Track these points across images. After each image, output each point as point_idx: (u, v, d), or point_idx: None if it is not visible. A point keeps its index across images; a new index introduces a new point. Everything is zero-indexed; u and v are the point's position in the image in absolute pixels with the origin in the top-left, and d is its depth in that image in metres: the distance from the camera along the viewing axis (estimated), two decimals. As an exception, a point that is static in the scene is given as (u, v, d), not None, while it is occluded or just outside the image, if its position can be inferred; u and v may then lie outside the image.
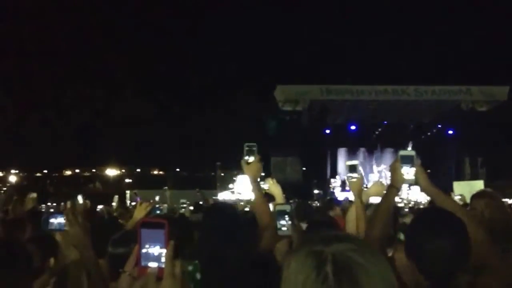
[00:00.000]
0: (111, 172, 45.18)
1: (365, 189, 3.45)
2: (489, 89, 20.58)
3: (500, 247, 2.25)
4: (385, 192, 2.44)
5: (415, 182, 2.31)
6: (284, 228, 2.41)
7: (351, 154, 24.12)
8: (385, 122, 23.08)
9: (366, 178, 22.91)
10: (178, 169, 44.21)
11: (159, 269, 1.18)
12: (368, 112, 21.85)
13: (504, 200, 3.86)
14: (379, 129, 23.64)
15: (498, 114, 19.97)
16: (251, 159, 2.96)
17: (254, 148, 2.98)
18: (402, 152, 2.35)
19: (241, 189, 18.92)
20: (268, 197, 3.58)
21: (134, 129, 34.25)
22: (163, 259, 1.18)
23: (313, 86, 21.42)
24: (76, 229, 2.12)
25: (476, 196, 3.09)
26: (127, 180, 42.66)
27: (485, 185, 13.13)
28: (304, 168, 22.39)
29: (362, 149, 24.08)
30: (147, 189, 23.66)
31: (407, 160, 2.32)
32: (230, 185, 22.30)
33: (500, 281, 1.87)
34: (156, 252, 1.19)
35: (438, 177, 16.69)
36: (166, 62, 29.13)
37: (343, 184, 22.88)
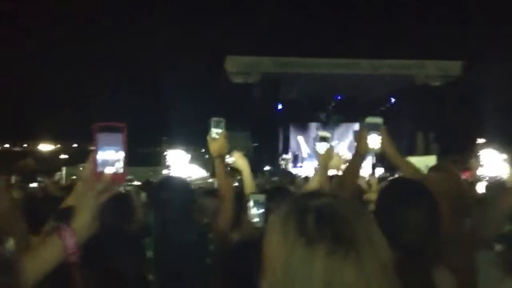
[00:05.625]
0: (45, 147, 42.58)
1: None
2: (443, 64, 20.50)
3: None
4: (347, 163, 2.43)
5: (381, 151, 2.27)
6: (256, 219, 2.35)
7: (303, 129, 23.74)
8: (338, 96, 22.72)
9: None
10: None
11: (115, 174, 1.18)
12: (322, 86, 21.37)
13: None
14: (332, 104, 23.26)
15: (451, 89, 20.05)
16: (218, 131, 2.77)
17: (222, 123, 2.80)
18: (368, 120, 2.28)
19: (177, 167, 18.05)
20: (233, 171, 3.52)
21: (72, 101, 31.78)
22: (120, 164, 1.17)
23: (265, 58, 20.59)
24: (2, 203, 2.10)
25: (432, 170, 3.09)
26: (62, 156, 40.21)
27: (438, 160, 13.34)
28: (255, 144, 21.88)
29: (314, 124, 23.61)
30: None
31: (374, 127, 2.24)
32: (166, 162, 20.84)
33: (465, 255, 1.87)
34: (113, 157, 1.17)
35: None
36: (110, 32, 26.88)
37: (295, 159, 22.66)
